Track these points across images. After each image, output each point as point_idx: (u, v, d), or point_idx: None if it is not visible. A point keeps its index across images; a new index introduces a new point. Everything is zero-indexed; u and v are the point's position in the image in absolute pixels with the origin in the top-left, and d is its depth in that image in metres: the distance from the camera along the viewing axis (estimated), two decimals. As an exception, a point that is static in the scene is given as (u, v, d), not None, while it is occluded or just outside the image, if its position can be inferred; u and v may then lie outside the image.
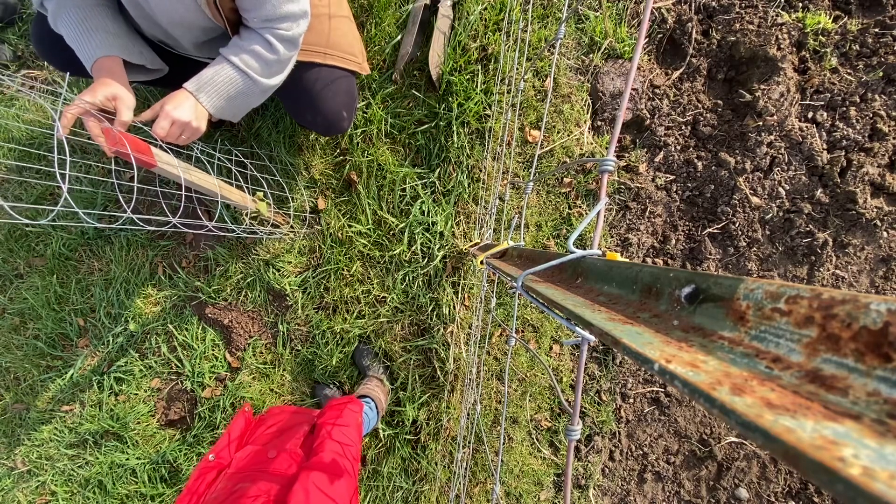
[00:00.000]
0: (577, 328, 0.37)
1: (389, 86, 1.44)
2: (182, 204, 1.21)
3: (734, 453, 1.45)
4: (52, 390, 1.55)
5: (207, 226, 1.06)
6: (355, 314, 1.47)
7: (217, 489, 0.85)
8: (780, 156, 1.37)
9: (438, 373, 1.45)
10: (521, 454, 1.49)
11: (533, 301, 0.46)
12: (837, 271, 1.39)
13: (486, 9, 1.41)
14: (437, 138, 1.43)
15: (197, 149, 1.17)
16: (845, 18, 1.36)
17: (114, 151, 0.77)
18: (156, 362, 1.52)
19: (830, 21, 1.35)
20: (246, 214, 1.41)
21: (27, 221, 0.70)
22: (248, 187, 1.30)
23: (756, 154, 1.37)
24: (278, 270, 1.47)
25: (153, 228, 1.21)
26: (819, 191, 1.36)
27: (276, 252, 1.47)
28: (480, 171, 1.44)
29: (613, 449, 1.50)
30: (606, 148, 1.33)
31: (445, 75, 1.40)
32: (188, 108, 0.87)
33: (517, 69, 1.33)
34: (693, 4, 1.42)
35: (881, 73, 1.32)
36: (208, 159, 1.33)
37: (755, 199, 1.38)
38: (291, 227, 1.44)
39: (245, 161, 1.37)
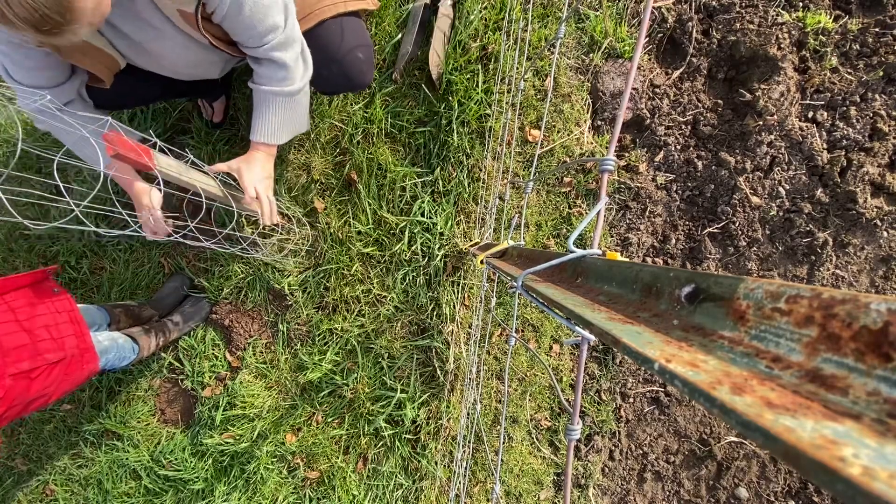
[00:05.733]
0: (577, 328, 0.37)
1: (389, 85, 1.44)
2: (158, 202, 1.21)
3: (734, 453, 1.45)
4: (53, 390, 1.55)
5: (219, 235, 1.06)
6: (355, 313, 1.47)
7: None
8: (781, 155, 1.37)
9: (438, 372, 1.45)
10: (521, 453, 1.49)
11: (533, 300, 0.46)
12: (837, 271, 1.39)
13: (486, 8, 1.41)
14: (437, 138, 1.43)
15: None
16: (845, 18, 1.36)
17: (113, 154, 0.77)
18: (156, 362, 1.52)
19: (831, 20, 1.35)
20: (251, 223, 1.40)
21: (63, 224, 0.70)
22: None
23: (756, 154, 1.37)
24: (278, 270, 1.47)
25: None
26: (819, 190, 1.35)
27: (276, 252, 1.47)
28: (480, 170, 1.44)
29: (613, 448, 1.50)
30: (606, 147, 1.32)
31: (446, 75, 1.40)
32: (269, 167, 1.00)
33: (517, 69, 1.33)
34: (693, 4, 1.42)
35: (881, 73, 1.32)
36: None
37: (755, 199, 1.38)
38: (295, 233, 1.43)
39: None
